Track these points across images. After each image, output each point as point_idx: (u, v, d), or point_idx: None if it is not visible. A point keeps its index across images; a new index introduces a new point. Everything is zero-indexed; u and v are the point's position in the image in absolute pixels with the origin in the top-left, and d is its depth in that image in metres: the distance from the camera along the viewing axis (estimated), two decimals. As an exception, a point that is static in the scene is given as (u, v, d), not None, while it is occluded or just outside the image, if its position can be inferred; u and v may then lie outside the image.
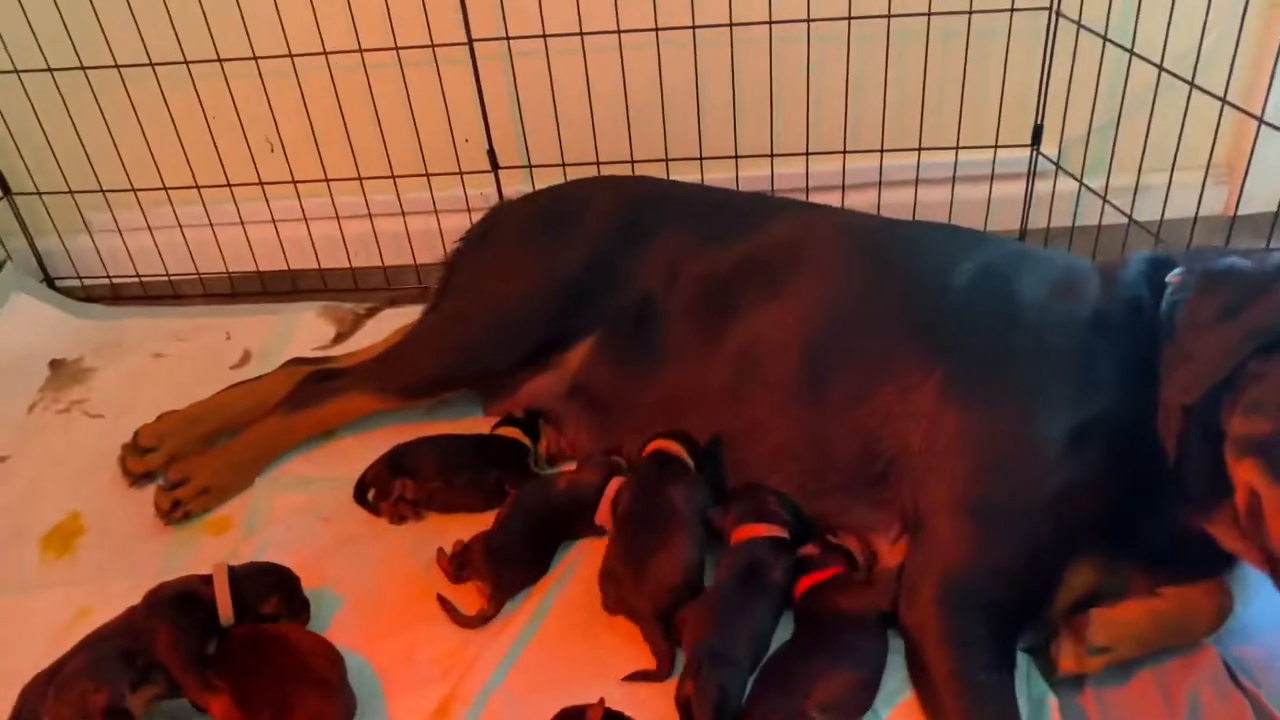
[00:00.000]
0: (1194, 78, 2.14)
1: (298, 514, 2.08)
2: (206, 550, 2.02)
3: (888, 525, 1.82)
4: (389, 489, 2.04)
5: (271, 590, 1.78)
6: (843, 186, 2.59)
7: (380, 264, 2.80)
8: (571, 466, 2.11)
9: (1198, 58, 2.13)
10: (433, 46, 2.47)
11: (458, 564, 1.88)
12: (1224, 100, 2.08)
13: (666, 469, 1.91)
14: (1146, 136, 2.24)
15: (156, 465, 2.17)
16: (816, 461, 1.88)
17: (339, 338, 2.63)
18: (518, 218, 2.31)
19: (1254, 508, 1.47)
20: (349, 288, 2.80)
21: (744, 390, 1.96)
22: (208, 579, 1.76)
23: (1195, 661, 1.68)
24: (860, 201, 2.60)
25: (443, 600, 1.84)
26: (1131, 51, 2.25)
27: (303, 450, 2.24)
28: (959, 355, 1.77)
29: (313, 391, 2.25)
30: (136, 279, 2.89)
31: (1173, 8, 2.14)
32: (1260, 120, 2.04)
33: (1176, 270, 1.65)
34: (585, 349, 2.16)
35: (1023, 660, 1.67)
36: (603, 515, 1.94)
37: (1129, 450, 1.61)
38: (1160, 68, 2.19)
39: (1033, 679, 1.66)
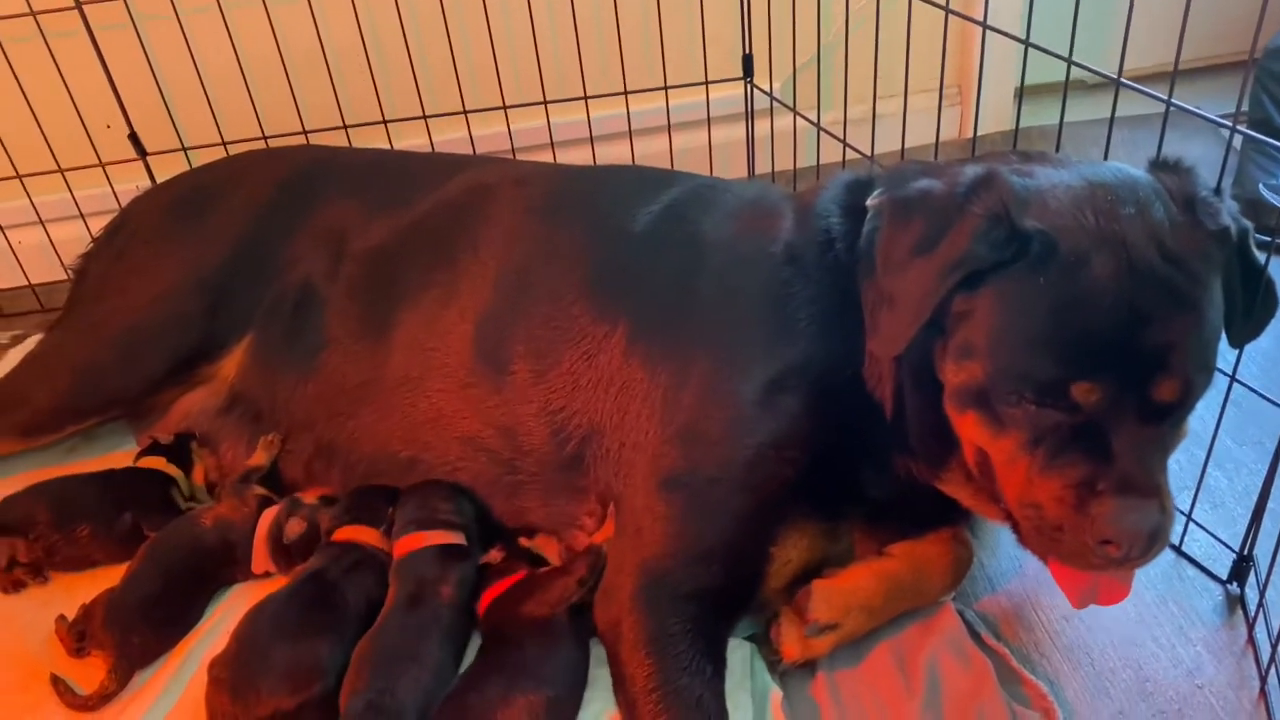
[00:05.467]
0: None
1: (-112, 603, 1.67)
2: None
3: (590, 517, 1.57)
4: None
5: None
6: (551, 143, 2.33)
7: (27, 283, 2.37)
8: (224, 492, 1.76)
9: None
10: (33, 15, 2.06)
11: (78, 633, 1.53)
12: (946, 9, 1.90)
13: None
14: (846, 57, 2.05)
15: None
16: (506, 452, 1.62)
17: (-27, 375, 2.19)
18: (153, 208, 1.95)
19: (984, 464, 1.29)
20: (-6, 314, 2.37)
21: (419, 379, 1.68)
22: None
23: (934, 625, 1.49)
24: (573, 159, 2.33)
25: (56, 681, 1.48)
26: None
27: (-90, 517, 1.82)
28: (642, 309, 1.53)
29: (-91, 446, 1.83)
30: None
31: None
32: (984, 25, 1.86)
33: (876, 193, 1.44)
34: (241, 353, 1.82)
35: (747, 653, 1.46)
36: (260, 560, 1.62)
37: (834, 400, 1.40)
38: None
39: (757, 672, 1.44)
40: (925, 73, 2.05)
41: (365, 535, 1.59)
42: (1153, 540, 1.16)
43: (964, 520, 1.53)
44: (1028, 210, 1.19)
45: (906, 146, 2.12)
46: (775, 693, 1.40)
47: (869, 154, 2.09)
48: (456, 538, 1.55)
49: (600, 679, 1.42)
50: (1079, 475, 1.17)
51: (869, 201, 1.41)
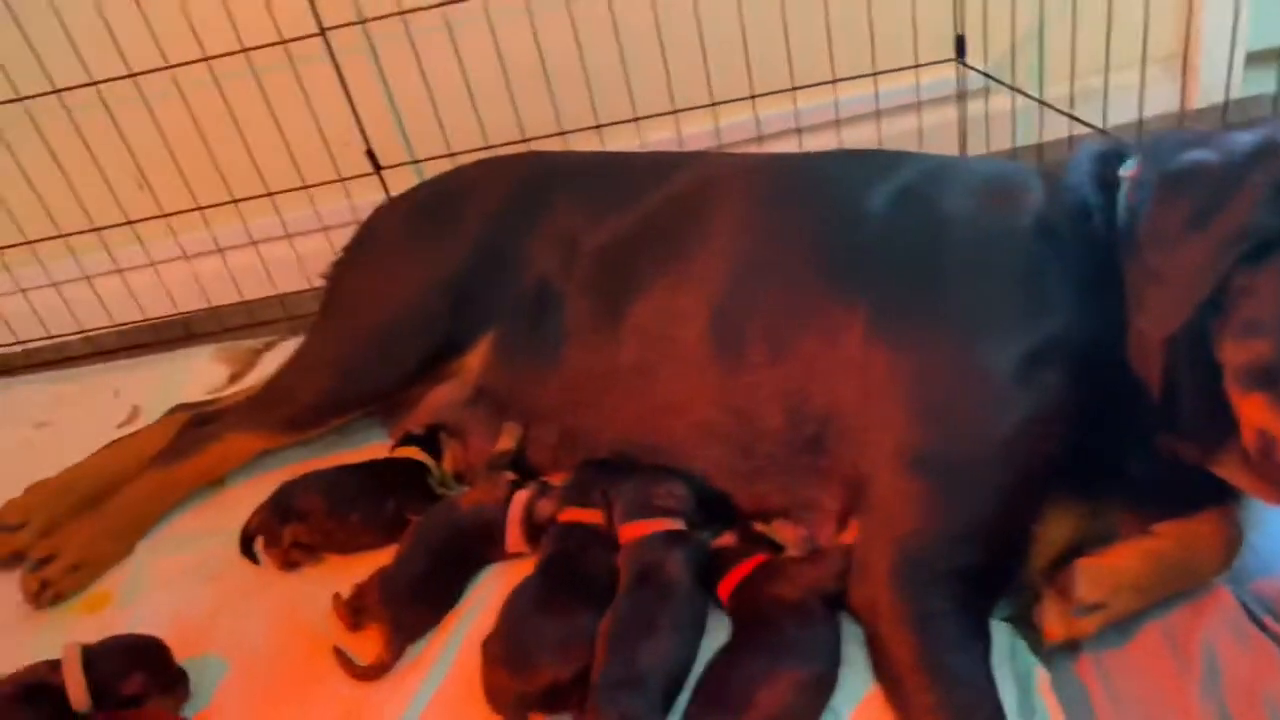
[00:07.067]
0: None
1: (181, 577, 1.85)
2: (82, 633, 1.75)
3: (832, 500, 1.57)
4: (279, 537, 1.80)
5: (132, 667, 1.55)
6: (758, 137, 2.36)
7: (275, 293, 2.57)
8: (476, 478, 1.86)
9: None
10: (283, 43, 2.24)
11: (354, 609, 1.64)
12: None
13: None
14: (1074, 28, 1.99)
15: (26, 543, 1.92)
16: (743, 436, 1.64)
17: (234, 378, 2.40)
18: (395, 217, 2.08)
19: (1266, 447, 1.23)
20: (245, 323, 2.58)
21: (654, 367, 1.73)
22: (57, 664, 1.53)
23: (1207, 606, 1.43)
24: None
25: (338, 652, 1.59)
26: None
27: (190, 505, 2.00)
28: (883, 287, 1.53)
29: (192, 438, 2.01)
30: (18, 347, 2.66)
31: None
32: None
33: (1130, 163, 1.40)
34: (484, 349, 1.93)
35: (1006, 633, 1.43)
36: (515, 540, 1.70)
37: (1096, 376, 1.37)
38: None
39: (1018, 653, 1.42)
40: (1151, 42, 1.98)
41: (585, 516, 1.65)
42: None
43: (1234, 500, 1.46)
44: None
45: (1116, 122, 2.06)
46: (1041, 673, 1.38)
47: (1100, 127, 2.02)
48: (675, 524, 1.59)
49: (853, 658, 1.43)
50: None
51: (1123, 173, 1.38)
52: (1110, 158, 1.44)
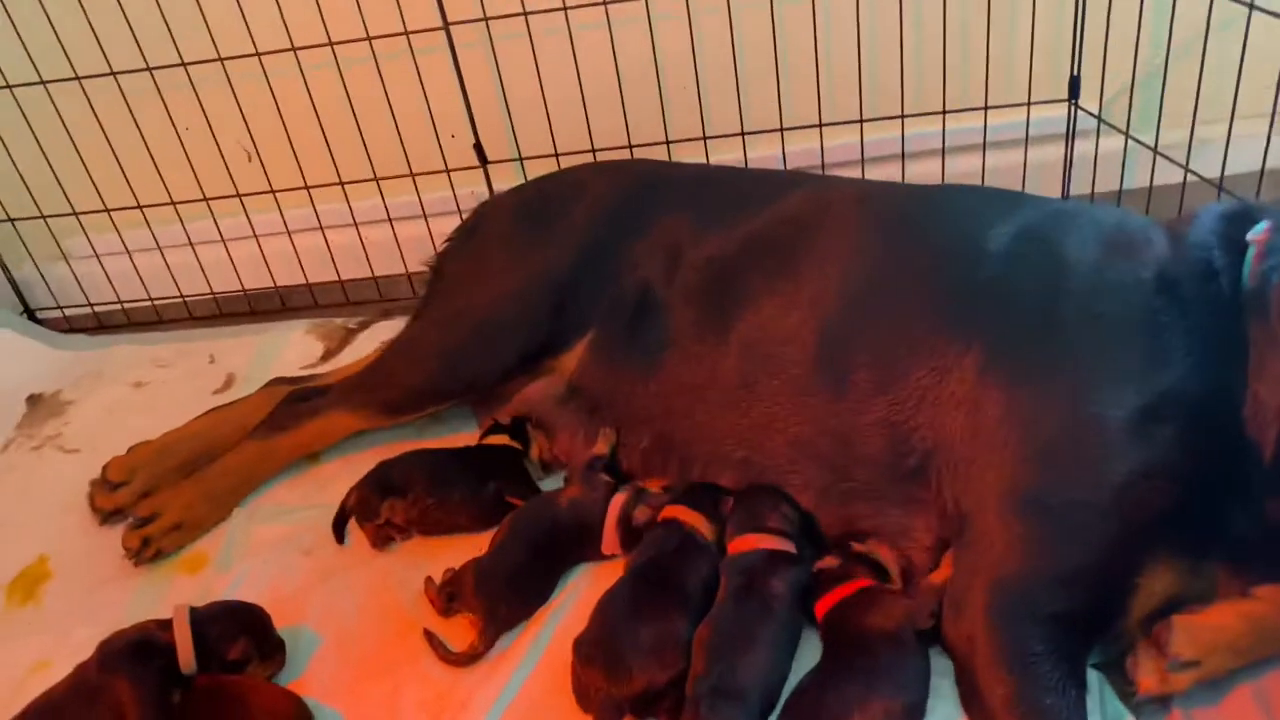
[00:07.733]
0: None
1: (277, 546, 1.91)
2: (179, 592, 1.85)
3: (926, 530, 1.60)
4: (376, 510, 1.85)
5: (238, 632, 1.61)
6: (861, 160, 2.37)
7: (370, 275, 2.63)
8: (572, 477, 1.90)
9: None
10: (406, 34, 2.29)
11: (448, 595, 1.69)
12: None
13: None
14: (1200, 76, 1.99)
15: (126, 501, 2.00)
16: (840, 459, 1.66)
17: (327, 355, 2.45)
18: (503, 213, 2.12)
19: None
20: (340, 302, 2.64)
21: (755, 382, 1.75)
22: (166, 624, 1.59)
23: (1300, 672, 1.43)
24: (882, 176, 2.37)
25: (430, 636, 1.65)
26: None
27: (285, 477, 2.07)
28: (1000, 328, 1.54)
29: (292, 412, 2.07)
30: (119, 306, 2.75)
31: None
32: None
33: (1261, 226, 1.41)
34: (581, 349, 1.97)
35: (1095, 679, 1.45)
36: (610, 543, 1.74)
37: (1209, 435, 1.38)
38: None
39: (1107, 700, 1.43)
40: (1258, 95, 1.98)
41: (687, 515, 1.68)
42: None
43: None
44: None
45: (1230, 173, 2.05)
46: (1132, 723, 1.40)
47: (1216, 182, 2.02)
48: (786, 545, 1.62)
49: (940, 689, 1.45)
50: None
51: (1251, 236, 1.38)
52: (1238, 219, 1.45)
